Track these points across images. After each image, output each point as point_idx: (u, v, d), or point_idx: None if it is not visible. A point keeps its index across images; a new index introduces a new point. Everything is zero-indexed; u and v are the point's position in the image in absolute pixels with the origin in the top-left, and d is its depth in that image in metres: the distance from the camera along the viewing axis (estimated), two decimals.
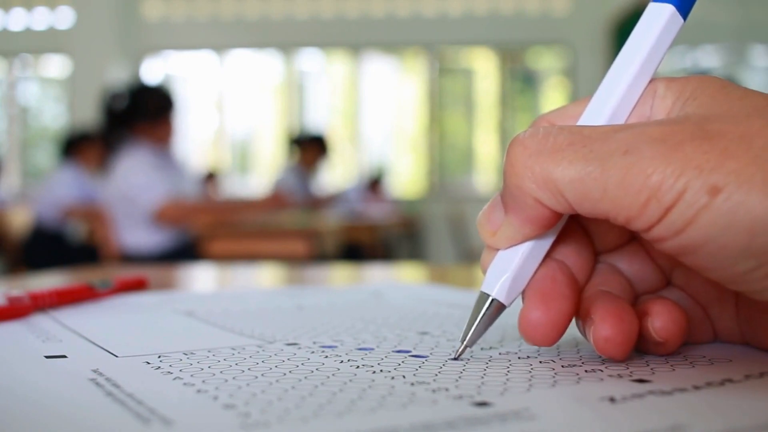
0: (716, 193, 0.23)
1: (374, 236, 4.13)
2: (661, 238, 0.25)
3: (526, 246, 0.28)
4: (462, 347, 0.29)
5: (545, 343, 0.28)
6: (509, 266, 0.28)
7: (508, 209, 0.28)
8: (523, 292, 0.29)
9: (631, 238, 0.31)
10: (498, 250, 0.29)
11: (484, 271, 0.29)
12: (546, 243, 0.29)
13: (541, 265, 0.29)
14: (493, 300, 0.29)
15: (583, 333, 0.29)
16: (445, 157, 5.98)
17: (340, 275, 0.83)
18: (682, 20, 0.29)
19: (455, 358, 0.30)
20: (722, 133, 0.24)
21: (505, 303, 0.29)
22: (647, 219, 0.24)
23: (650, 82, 0.29)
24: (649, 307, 0.28)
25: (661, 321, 0.28)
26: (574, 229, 0.30)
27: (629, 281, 0.31)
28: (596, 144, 0.25)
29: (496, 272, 0.29)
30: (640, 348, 0.30)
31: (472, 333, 0.29)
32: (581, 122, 0.29)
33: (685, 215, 0.23)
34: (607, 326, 0.27)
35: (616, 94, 0.28)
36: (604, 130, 0.26)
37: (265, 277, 0.81)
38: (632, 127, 0.25)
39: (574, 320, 0.29)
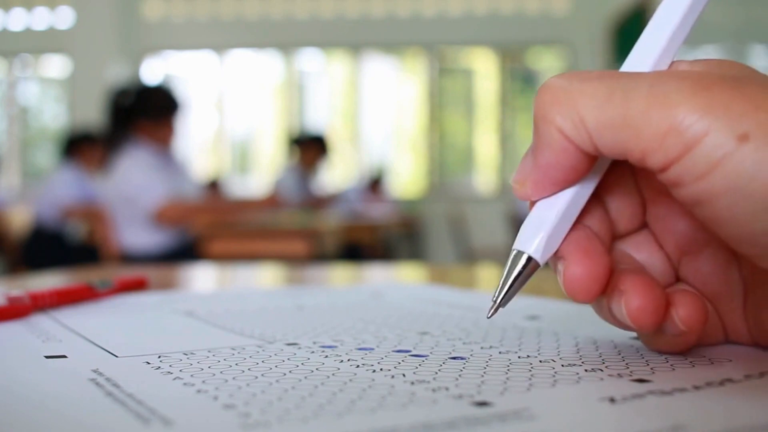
0: (745, 140, 0.22)
1: (374, 236, 4.13)
2: (679, 181, 0.24)
3: (562, 204, 0.28)
4: (495, 306, 0.29)
5: (587, 298, 0.27)
6: (545, 224, 0.28)
7: (536, 150, 0.27)
8: (559, 252, 0.28)
9: (642, 225, 0.31)
10: (533, 204, 0.29)
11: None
12: (578, 204, 0.28)
13: (572, 228, 0.28)
14: (529, 258, 0.28)
15: (605, 310, 0.28)
16: (445, 157, 5.99)
17: (340, 275, 0.83)
18: None
19: (488, 317, 0.29)
20: (753, 89, 0.23)
21: (540, 261, 0.28)
22: (665, 154, 0.24)
23: (672, 64, 0.28)
24: (671, 297, 0.28)
25: (685, 310, 0.28)
26: (596, 206, 0.30)
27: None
28: (624, 78, 0.25)
29: (531, 230, 0.28)
30: (657, 344, 0.29)
31: (507, 292, 0.28)
32: None
33: (709, 158, 0.23)
34: (638, 295, 0.27)
35: (646, 68, 0.28)
36: (634, 72, 0.26)
37: (265, 277, 0.81)
38: (662, 70, 0.26)
39: (572, 320, 0.29)
